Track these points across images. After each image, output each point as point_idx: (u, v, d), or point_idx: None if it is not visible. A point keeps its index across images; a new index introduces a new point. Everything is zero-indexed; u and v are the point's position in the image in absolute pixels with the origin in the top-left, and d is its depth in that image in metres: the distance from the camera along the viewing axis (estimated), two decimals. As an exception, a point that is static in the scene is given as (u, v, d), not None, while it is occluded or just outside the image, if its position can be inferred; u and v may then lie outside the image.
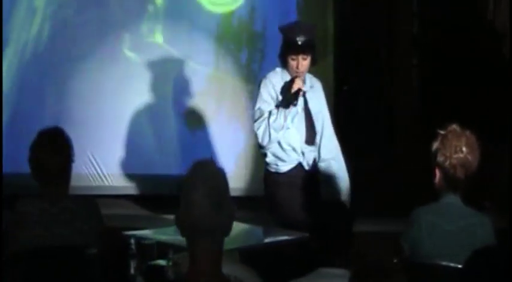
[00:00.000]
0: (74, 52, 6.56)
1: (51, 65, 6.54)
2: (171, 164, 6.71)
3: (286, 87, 4.79)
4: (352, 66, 6.93)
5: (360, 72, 6.93)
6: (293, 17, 6.52)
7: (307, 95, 4.87)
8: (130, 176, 6.75)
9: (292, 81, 4.78)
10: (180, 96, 6.77)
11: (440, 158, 3.38)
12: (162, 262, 3.73)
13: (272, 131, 4.73)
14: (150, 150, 6.75)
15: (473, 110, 6.32)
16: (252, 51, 6.73)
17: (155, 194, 6.50)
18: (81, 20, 6.55)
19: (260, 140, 4.79)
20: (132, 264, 3.63)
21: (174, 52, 6.77)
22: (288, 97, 4.74)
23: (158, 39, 6.72)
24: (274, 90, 4.82)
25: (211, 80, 6.83)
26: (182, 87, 6.76)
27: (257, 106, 4.81)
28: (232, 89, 6.83)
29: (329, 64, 6.67)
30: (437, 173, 3.38)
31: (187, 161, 4.47)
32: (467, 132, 3.40)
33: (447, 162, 3.35)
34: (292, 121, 4.78)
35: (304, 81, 4.82)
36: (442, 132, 3.41)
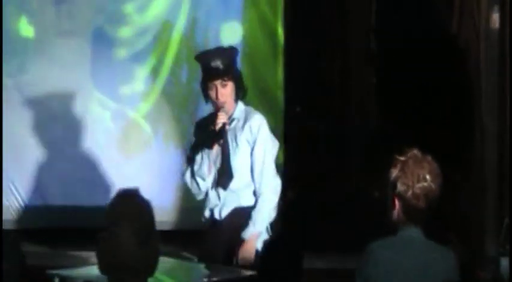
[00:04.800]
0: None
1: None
2: (98, 194, 6.46)
3: (209, 124, 4.68)
4: (304, 85, 6.89)
5: (312, 92, 6.91)
6: (238, 29, 6.59)
7: (230, 127, 4.69)
8: (53, 208, 6.62)
9: (215, 116, 4.63)
10: (111, 119, 6.68)
11: (401, 188, 3.33)
12: (89, 303, 3.77)
13: (199, 180, 4.68)
14: (75, 179, 6.63)
15: (434, 133, 6.28)
16: (193, 68, 6.44)
17: (81, 227, 6.23)
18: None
19: (191, 190, 4.76)
20: (57, 307, 3.65)
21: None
22: (212, 135, 4.61)
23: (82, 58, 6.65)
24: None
25: (147, 100, 6.73)
26: (113, 109, 6.69)
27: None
28: (170, 111, 6.73)
29: (278, 84, 6.64)
30: (397, 203, 3.35)
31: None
32: (429, 158, 3.36)
33: (409, 192, 3.31)
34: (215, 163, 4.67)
35: (231, 115, 4.66)
36: (401, 158, 3.36)
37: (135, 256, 2.30)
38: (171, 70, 6.77)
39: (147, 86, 6.79)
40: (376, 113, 6.93)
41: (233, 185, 4.63)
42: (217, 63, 4.58)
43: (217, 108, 4.64)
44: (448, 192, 3.46)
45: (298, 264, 3.29)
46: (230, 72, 4.62)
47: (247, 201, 4.65)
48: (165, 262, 4.42)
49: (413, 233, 3.37)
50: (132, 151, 6.70)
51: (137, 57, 6.76)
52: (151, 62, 6.76)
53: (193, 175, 4.65)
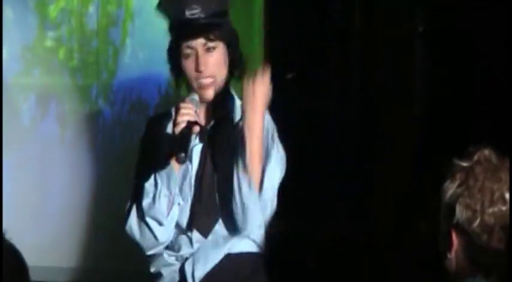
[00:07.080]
0: None
1: None
2: None
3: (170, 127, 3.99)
4: (294, 40, 6.58)
5: (311, 51, 6.64)
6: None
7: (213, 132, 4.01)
8: None
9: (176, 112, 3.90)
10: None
11: (462, 214, 2.96)
12: None
13: (152, 223, 4.03)
14: None
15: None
16: (107, 5, 5.94)
17: None
18: None
19: (141, 244, 4.17)
20: None
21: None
22: (173, 146, 3.89)
23: None
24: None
25: (29, 62, 6.16)
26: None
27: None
28: (69, 78, 6.08)
29: (256, 34, 6.18)
30: (455, 240, 2.95)
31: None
32: (507, 162, 2.98)
33: (476, 222, 2.94)
34: (181, 192, 4.04)
35: (221, 107, 3.99)
36: (463, 163, 2.96)
37: None
38: (71, 11, 6.06)
39: (27, 38, 6.16)
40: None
41: (219, 228, 4.11)
42: (197, 11, 3.97)
43: (201, 91, 3.99)
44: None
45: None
46: (220, 26, 3.99)
47: (245, 246, 4.15)
48: None
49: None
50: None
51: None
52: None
53: (142, 216, 4.08)
